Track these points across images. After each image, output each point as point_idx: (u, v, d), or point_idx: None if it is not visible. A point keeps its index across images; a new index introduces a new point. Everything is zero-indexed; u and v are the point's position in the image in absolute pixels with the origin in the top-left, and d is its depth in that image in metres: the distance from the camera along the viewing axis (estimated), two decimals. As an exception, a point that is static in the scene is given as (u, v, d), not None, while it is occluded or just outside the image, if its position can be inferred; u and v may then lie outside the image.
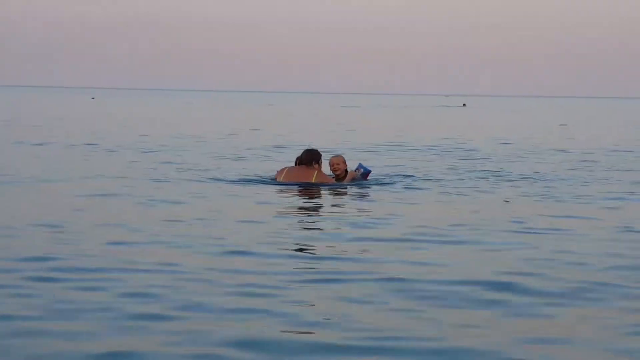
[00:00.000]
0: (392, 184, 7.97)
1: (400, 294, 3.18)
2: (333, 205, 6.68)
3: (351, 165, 7.81)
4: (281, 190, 7.34)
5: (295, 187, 7.38)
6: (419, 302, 3.01)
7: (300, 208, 6.37)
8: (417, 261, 3.95)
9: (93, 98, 66.42)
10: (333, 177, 7.69)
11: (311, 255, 4.18)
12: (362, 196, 7.25)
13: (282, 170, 7.65)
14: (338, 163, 7.72)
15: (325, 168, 7.74)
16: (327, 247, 4.40)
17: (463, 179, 8.65)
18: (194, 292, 3.09)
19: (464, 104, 66.76)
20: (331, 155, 8.10)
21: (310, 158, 7.54)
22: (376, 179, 8.06)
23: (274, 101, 78.85)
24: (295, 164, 7.58)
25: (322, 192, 7.28)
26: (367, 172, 7.80)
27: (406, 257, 4.09)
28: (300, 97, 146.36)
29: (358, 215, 5.78)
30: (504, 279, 3.44)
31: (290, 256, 4.06)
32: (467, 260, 4.02)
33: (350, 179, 7.67)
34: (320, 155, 7.64)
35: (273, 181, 7.67)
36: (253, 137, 17.02)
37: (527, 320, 2.81)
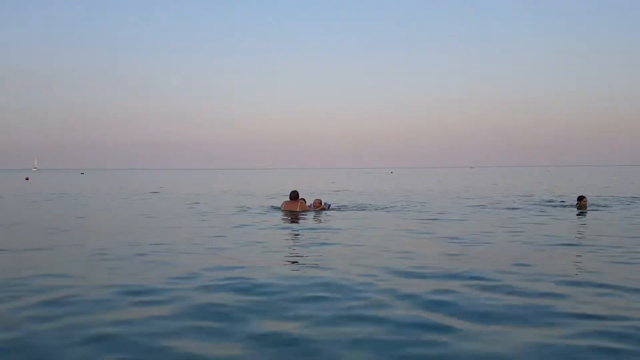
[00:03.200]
0: (344, 211, 14.36)
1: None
2: (308, 221, 12.84)
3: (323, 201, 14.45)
4: (283, 213, 13.71)
5: (289, 213, 13.72)
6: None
7: (292, 222, 12.52)
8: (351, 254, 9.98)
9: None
10: (311, 207, 14.11)
11: (296, 246, 10.24)
12: (320, 217, 13.44)
13: (284, 202, 14.16)
14: (317, 203, 14.33)
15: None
16: (301, 243, 10.48)
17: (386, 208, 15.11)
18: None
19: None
20: (314, 198, 15.14)
21: (295, 196, 13.93)
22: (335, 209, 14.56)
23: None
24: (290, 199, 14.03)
25: (302, 215, 13.54)
26: (329, 206, 14.39)
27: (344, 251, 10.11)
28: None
29: (320, 227, 11.90)
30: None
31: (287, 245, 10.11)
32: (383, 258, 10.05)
33: (320, 209, 14.13)
34: (298, 194, 14.13)
35: (278, 209, 14.39)
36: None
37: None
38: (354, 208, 15.72)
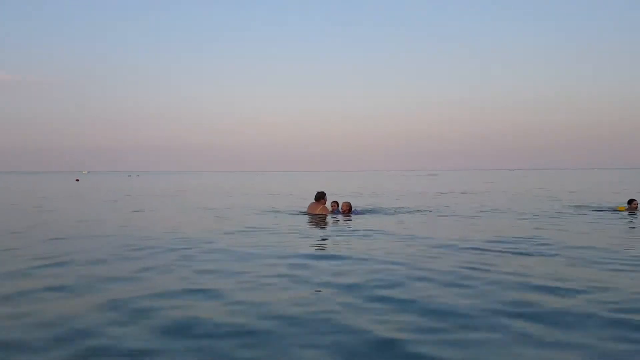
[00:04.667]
0: (362, 214, 13.62)
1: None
2: (326, 223, 12.19)
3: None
4: (306, 215, 13.13)
5: (311, 215, 13.13)
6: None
7: (309, 224, 11.93)
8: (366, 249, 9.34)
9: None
10: (331, 210, 13.37)
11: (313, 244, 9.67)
12: (344, 219, 12.70)
13: (309, 204, 13.53)
14: (345, 206, 13.47)
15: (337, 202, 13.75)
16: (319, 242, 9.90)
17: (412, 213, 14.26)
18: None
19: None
20: (343, 200, 14.18)
21: (318, 197, 13.30)
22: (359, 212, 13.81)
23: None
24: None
25: (323, 219, 12.87)
26: (355, 211, 13.64)
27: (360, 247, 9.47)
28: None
29: (336, 229, 11.27)
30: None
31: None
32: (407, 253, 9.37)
33: (347, 211, 13.38)
34: (324, 194, 13.46)
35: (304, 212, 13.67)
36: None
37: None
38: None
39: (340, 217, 12.84)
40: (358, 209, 14.41)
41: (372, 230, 10.27)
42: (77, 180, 65.46)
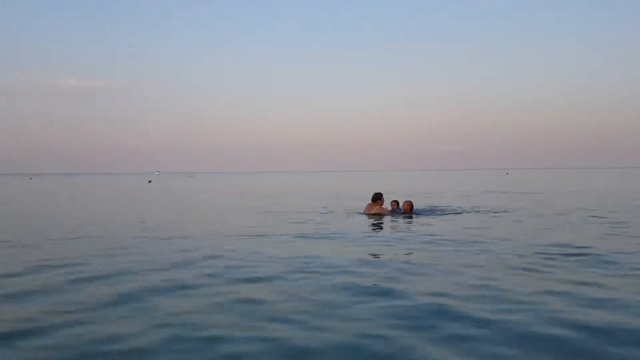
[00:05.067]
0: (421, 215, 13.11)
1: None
2: (384, 224, 11.83)
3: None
4: (364, 216, 12.83)
5: (368, 215, 12.83)
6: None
7: (366, 223, 11.61)
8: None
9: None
10: (398, 210, 13.03)
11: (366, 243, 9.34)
12: (396, 220, 12.29)
13: (366, 205, 13.25)
14: (406, 204, 13.15)
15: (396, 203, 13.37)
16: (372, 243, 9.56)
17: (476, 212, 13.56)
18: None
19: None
20: (404, 199, 13.75)
21: (375, 198, 12.97)
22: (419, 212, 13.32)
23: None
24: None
25: (380, 218, 12.53)
26: (417, 211, 13.23)
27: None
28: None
29: (394, 229, 10.87)
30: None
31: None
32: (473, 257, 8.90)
33: (408, 211, 13.03)
34: (381, 195, 13.12)
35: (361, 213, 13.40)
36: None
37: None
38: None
39: (400, 217, 12.56)
40: (419, 209, 13.97)
41: (433, 235, 9.72)
42: (150, 181, 67.49)
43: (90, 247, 8.13)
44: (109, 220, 13.27)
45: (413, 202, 13.59)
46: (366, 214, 13.06)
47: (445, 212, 13.79)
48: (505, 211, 14.23)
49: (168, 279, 5.70)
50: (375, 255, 7.33)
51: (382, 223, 11.49)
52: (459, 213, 13.57)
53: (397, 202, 13.47)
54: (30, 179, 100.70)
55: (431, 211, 14.02)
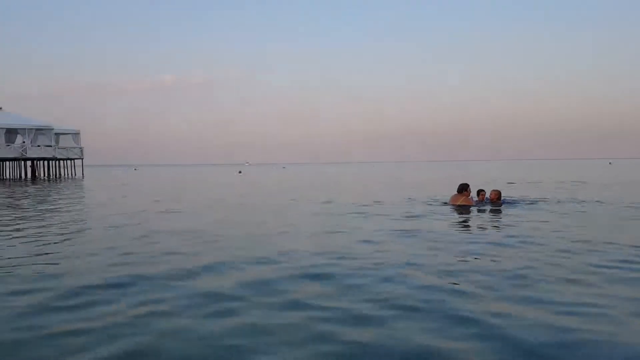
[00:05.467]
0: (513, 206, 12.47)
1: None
2: (470, 216, 11.42)
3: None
4: (449, 207, 12.47)
5: (454, 207, 12.47)
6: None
7: (452, 214, 11.27)
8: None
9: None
10: (475, 201, 12.54)
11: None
12: (483, 211, 11.76)
13: (451, 196, 12.95)
14: (492, 193, 12.71)
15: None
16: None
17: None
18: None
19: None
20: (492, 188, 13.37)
21: (460, 189, 12.55)
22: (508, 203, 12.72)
23: None
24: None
25: (465, 209, 12.10)
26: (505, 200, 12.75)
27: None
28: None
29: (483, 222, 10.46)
30: None
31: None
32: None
33: (495, 200, 12.53)
34: (468, 185, 12.66)
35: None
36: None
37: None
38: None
39: (487, 207, 12.19)
40: (507, 198, 13.31)
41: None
42: (240, 172, 69.99)
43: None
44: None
45: (501, 191, 13.00)
46: (450, 205, 12.68)
47: (536, 202, 13.14)
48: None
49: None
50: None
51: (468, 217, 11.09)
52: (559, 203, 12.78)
53: (484, 192, 12.95)
54: (136, 169, 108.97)
55: (520, 201, 13.43)
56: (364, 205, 13.44)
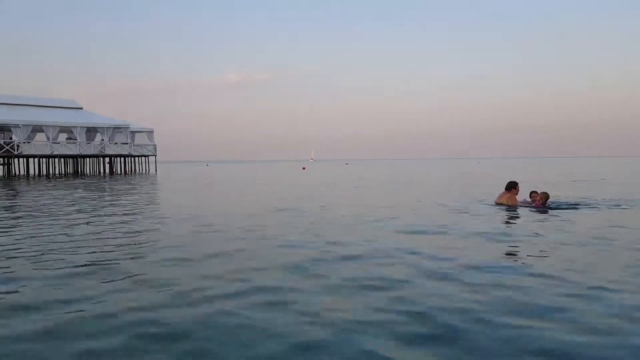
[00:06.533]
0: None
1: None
2: (516, 215, 11.09)
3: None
4: (497, 206, 12.28)
5: (497, 205, 12.29)
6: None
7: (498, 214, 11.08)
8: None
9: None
10: (526, 202, 12.16)
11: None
12: (531, 213, 11.32)
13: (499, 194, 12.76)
14: (540, 197, 11.94)
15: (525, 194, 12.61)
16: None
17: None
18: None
19: None
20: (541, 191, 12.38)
21: (509, 187, 12.36)
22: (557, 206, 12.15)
23: None
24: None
25: (513, 209, 11.77)
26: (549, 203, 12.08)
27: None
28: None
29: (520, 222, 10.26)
30: None
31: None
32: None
33: (543, 203, 11.79)
34: (516, 184, 12.37)
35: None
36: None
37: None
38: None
39: (527, 210, 11.47)
40: (553, 203, 12.34)
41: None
42: (304, 168, 70.90)
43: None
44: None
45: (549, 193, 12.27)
46: (497, 203, 12.48)
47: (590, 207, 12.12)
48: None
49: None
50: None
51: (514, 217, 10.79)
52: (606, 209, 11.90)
53: (536, 193, 12.26)
54: (207, 165, 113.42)
55: (574, 205, 12.42)
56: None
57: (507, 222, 9.82)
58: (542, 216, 10.51)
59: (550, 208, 11.71)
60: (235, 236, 8.27)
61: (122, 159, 51.40)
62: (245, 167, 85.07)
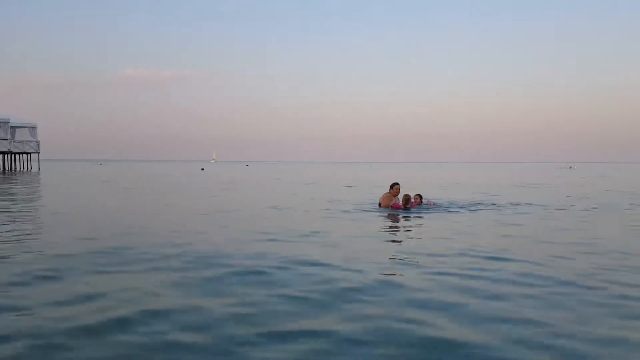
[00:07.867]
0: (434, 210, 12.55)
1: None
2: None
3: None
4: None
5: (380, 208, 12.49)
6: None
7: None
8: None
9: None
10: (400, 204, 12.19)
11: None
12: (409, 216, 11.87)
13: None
14: (415, 198, 12.31)
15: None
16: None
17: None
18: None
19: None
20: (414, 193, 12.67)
21: (390, 187, 12.34)
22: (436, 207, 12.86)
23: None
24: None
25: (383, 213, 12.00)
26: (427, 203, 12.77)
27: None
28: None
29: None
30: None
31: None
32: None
33: (415, 205, 12.21)
34: (396, 184, 12.29)
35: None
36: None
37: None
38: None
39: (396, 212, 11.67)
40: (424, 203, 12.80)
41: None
42: (203, 169, 69.39)
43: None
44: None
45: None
46: (379, 204, 12.39)
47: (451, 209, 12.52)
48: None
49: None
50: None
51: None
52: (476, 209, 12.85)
53: (420, 197, 12.45)
54: (101, 164, 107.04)
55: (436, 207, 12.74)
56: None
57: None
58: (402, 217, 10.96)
59: (411, 210, 11.89)
60: None
61: (1, 155, 47.11)
62: (145, 167, 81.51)
